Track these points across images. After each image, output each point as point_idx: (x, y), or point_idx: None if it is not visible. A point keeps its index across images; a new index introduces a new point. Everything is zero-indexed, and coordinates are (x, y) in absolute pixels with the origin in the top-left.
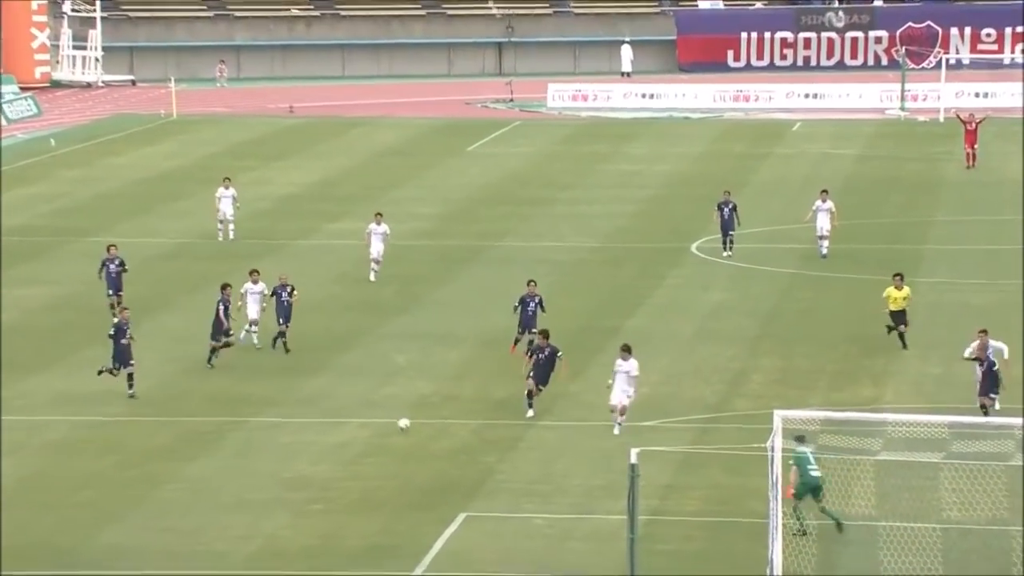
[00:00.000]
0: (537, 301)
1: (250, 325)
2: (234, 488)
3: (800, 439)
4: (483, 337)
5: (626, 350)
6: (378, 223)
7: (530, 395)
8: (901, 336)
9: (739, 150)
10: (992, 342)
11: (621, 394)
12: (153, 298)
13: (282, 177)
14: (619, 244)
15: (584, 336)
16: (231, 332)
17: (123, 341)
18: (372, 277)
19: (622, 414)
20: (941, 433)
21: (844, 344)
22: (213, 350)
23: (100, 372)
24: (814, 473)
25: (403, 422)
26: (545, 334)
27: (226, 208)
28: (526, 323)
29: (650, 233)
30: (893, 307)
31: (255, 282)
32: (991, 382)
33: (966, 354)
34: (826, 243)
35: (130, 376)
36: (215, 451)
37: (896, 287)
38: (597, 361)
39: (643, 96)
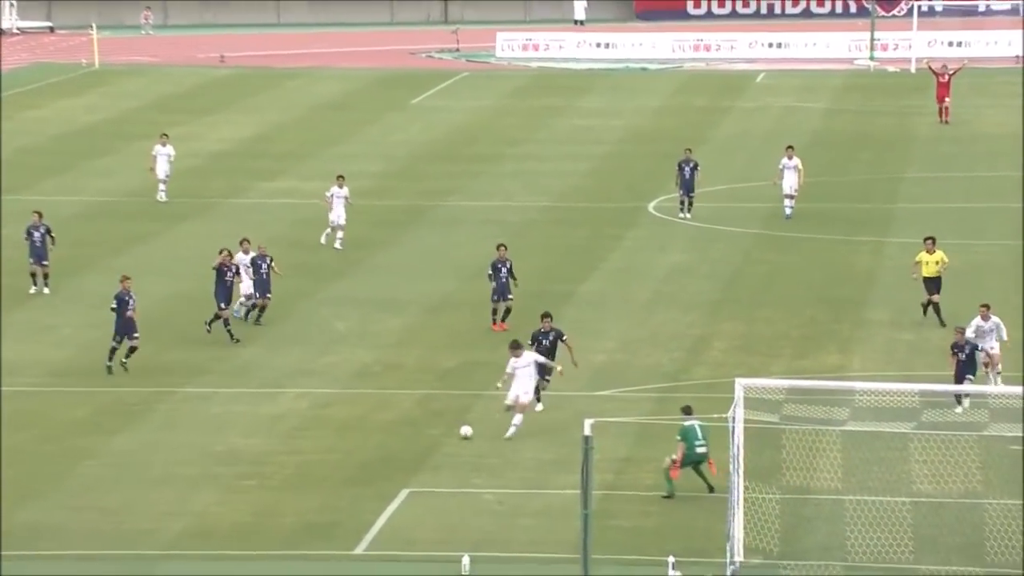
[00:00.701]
0: (509, 267)
1: (245, 299)
2: (161, 463)
3: (687, 411)
4: (428, 303)
5: (516, 346)
6: (340, 186)
7: (536, 389)
8: (936, 309)
9: (699, 103)
10: (995, 319)
11: (520, 391)
12: (74, 260)
13: (212, 133)
14: (572, 204)
15: (535, 301)
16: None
17: (128, 313)
18: (337, 245)
19: (521, 412)
20: (911, 402)
21: (810, 308)
22: (217, 317)
23: (112, 352)
24: (700, 450)
25: (465, 430)
26: (547, 316)
27: (162, 167)
28: (500, 291)
29: (605, 192)
30: (926, 273)
31: (246, 251)
32: (969, 368)
33: (969, 333)
34: (792, 203)
35: (132, 350)
36: (140, 424)
37: (928, 251)
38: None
39: (598, 46)
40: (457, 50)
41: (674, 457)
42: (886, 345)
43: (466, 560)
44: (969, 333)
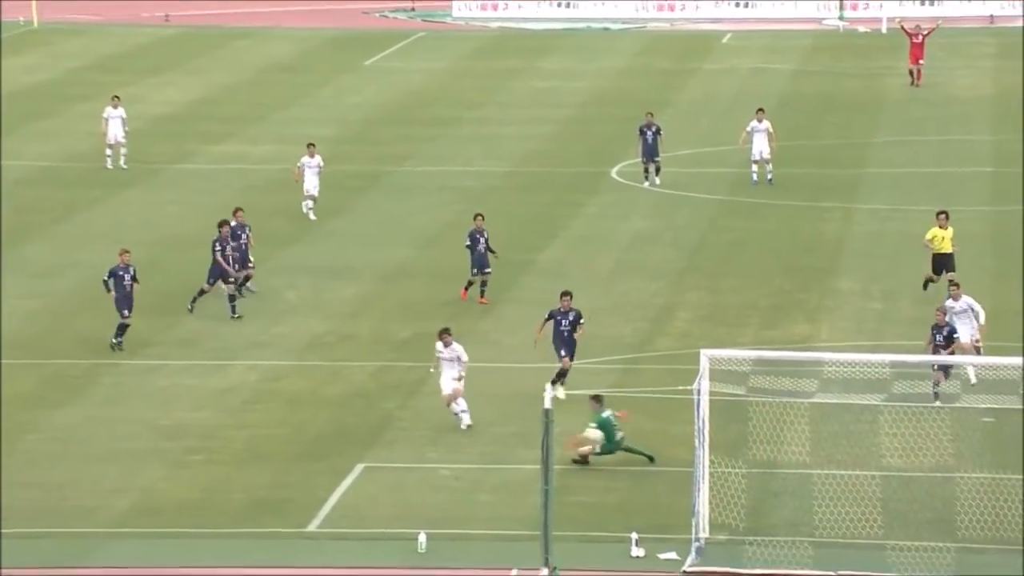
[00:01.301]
0: (486, 238)
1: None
2: (106, 437)
3: (597, 400)
4: (382, 271)
5: (447, 333)
6: (311, 155)
7: (562, 374)
8: (926, 285)
9: (664, 65)
10: (967, 299)
11: (451, 382)
12: (16, 228)
13: (157, 95)
14: (532, 169)
15: (494, 269)
16: (230, 279)
17: (125, 285)
18: (311, 216)
19: (457, 402)
20: (881, 373)
21: (777, 277)
22: (201, 292)
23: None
24: (618, 437)
25: (558, 392)
26: (567, 294)
27: (115, 131)
28: (479, 263)
29: (566, 157)
30: (941, 249)
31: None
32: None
33: (947, 317)
34: (769, 167)
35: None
36: (85, 397)
37: (940, 226)
38: (510, 297)
39: (559, 5)
40: (412, 9)
41: (584, 449)
42: (855, 315)
43: (422, 537)
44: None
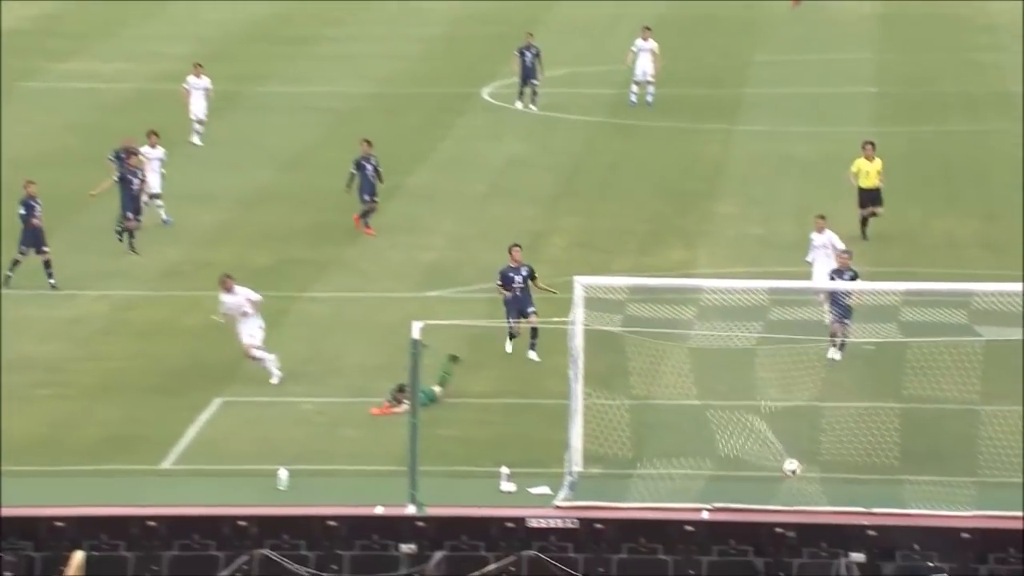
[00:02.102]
0: (374, 164)
1: (151, 198)
2: None
3: (401, 391)
4: (242, 196)
5: (228, 278)
6: (198, 75)
7: (512, 335)
8: (866, 221)
9: None
10: (829, 234)
11: (248, 337)
12: None
13: None
14: (400, 89)
15: (350, 195)
16: (140, 214)
17: (35, 221)
18: (197, 140)
19: (258, 355)
20: (761, 300)
21: (654, 201)
22: (126, 231)
23: (15, 264)
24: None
25: (790, 465)
26: (517, 247)
27: None
28: (367, 190)
29: (435, 77)
30: (865, 183)
31: (153, 146)
32: (846, 310)
33: (808, 257)
34: (651, 88)
35: (47, 264)
36: None
37: (867, 157)
38: (376, 224)
39: None
40: None
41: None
42: (734, 240)
43: (283, 474)
44: (809, 257)
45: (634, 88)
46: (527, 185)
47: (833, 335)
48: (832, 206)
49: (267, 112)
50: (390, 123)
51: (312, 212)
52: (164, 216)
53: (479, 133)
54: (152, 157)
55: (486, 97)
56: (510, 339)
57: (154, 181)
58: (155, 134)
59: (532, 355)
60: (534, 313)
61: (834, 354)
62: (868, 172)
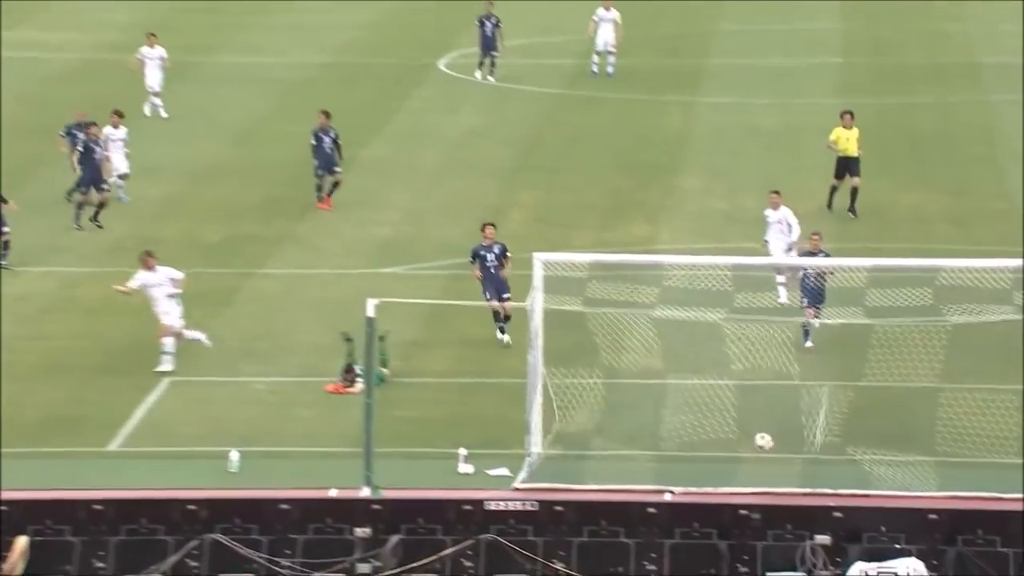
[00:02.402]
0: (333, 136)
1: (120, 179)
2: None
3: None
4: (191, 170)
5: (149, 256)
6: (151, 45)
7: (497, 316)
8: (854, 194)
9: None
10: (785, 210)
11: (165, 316)
12: None
13: None
14: (353, 59)
15: (311, 169)
16: (106, 185)
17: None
18: (148, 111)
19: (171, 336)
20: (724, 276)
21: (616, 175)
22: (81, 205)
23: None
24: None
25: (763, 440)
26: (491, 225)
27: None
28: (324, 162)
29: (390, 47)
30: (845, 151)
31: (116, 126)
32: (817, 295)
33: (766, 236)
34: (612, 59)
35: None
36: None
37: (845, 125)
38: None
39: None
40: None
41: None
42: (697, 214)
43: (234, 455)
44: (767, 236)
45: (595, 59)
46: (485, 159)
47: (806, 321)
48: (797, 178)
49: (216, 83)
50: (344, 94)
51: (264, 186)
52: (122, 195)
53: (435, 105)
54: (116, 138)
55: (442, 68)
56: (496, 322)
57: (120, 162)
58: (119, 114)
59: (503, 337)
60: (508, 299)
61: (809, 343)
62: (848, 139)
